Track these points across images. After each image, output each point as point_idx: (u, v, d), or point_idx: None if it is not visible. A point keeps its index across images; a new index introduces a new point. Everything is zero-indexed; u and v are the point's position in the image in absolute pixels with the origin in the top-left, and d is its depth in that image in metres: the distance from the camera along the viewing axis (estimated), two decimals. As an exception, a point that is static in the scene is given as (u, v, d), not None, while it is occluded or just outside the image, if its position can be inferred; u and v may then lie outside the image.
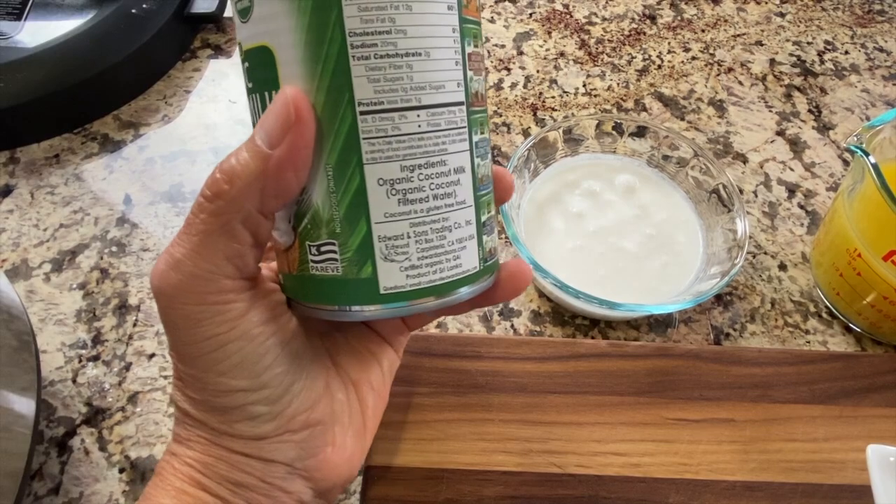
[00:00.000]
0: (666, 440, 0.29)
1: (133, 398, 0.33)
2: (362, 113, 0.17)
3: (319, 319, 0.19)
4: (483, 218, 0.19)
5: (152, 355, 0.35)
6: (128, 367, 0.34)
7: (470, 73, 0.18)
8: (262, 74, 0.18)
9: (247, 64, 0.18)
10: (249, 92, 0.19)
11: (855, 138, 0.33)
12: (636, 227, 0.38)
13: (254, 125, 0.18)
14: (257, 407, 0.19)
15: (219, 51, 0.50)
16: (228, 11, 0.51)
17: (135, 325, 0.36)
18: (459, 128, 0.18)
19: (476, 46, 0.18)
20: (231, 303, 0.18)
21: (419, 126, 0.17)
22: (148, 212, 0.40)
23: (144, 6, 0.46)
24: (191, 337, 0.18)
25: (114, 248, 0.39)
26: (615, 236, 0.37)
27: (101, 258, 0.38)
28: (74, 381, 0.34)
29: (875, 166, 0.31)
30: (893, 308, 0.33)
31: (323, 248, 0.18)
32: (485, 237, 0.19)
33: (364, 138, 0.17)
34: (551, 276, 0.32)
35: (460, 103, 0.18)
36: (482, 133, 0.19)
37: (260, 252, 0.19)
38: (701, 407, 0.30)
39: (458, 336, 0.33)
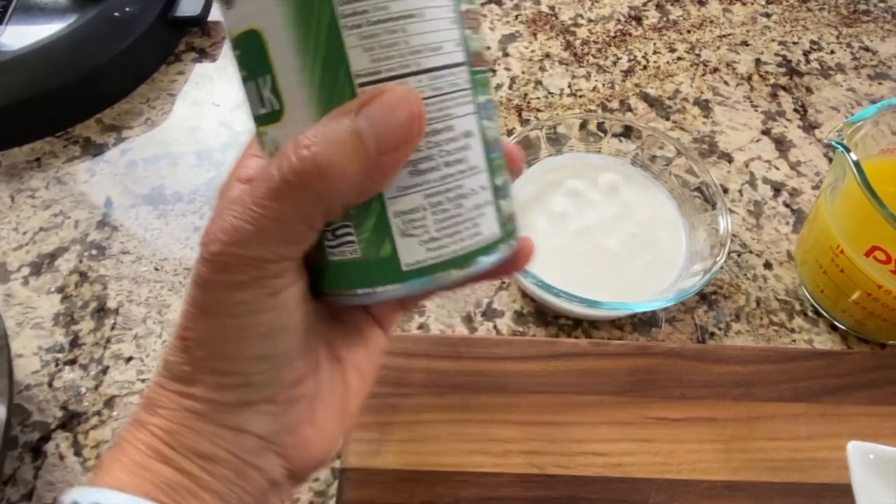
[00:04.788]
0: (647, 440, 0.28)
1: (110, 402, 0.33)
2: (361, 85, 0.16)
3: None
4: (498, 182, 0.18)
5: (130, 359, 0.34)
6: (105, 371, 0.34)
7: (468, 32, 0.17)
8: (253, 60, 0.17)
9: (238, 52, 0.17)
10: (244, 80, 0.18)
11: (836, 134, 0.33)
12: (619, 225, 0.37)
13: (252, 115, 0.18)
14: (259, 376, 0.18)
15: (203, 54, 0.50)
16: (214, 15, 0.51)
17: (113, 328, 0.35)
18: (463, 90, 0.17)
19: (471, 2, 0.18)
20: (280, 275, 0.17)
21: (422, 92, 0.16)
22: (129, 215, 0.40)
23: (128, 9, 0.46)
24: (227, 297, 0.17)
25: (93, 252, 0.38)
26: (598, 235, 0.37)
27: (81, 261, 0.38)
28: (50, 385, 0.33)
29: (856, 162, 0.31)
30: (877, 305, 0.32)
31: (339, 232, 0.17)
32: (501, 202, 0.19)
33: None
34: (532, 275, 0.32)
35: (461, 64, 0.17)
36: (486, 94, 0.18)
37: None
38: (682, 406, 0.29)
39: (438, 336, 0.32)
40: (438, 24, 0.17)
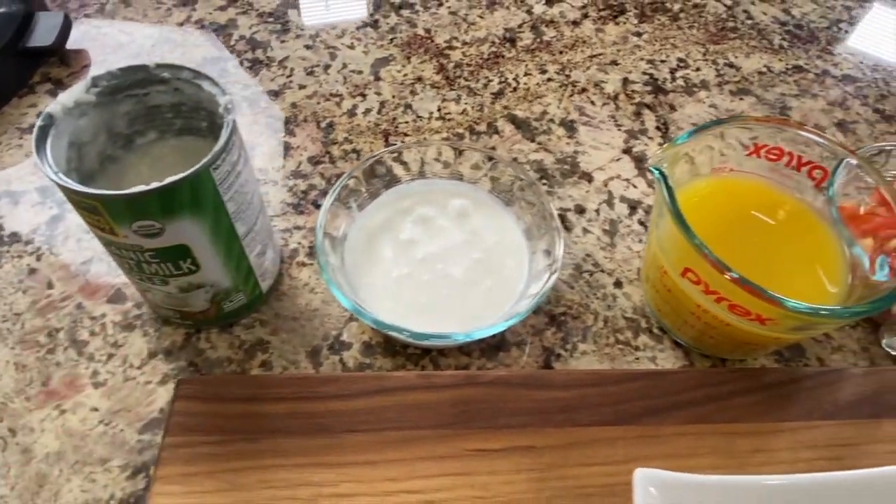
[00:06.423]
0: (464, 473, 0.28)
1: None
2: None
3: None
4: None
5: (-56, 415, 0.32)
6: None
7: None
8: (178, 255, 0.28)
9: (160, 252, 0.28)
10: (158, 260, 0.28)
11: (657, 159, 0.34)
12: (465, 252, 0.37)
13: (163, 274, 0.30)
14: None
15: (60, 86, 0.48)
16: (72, 43, 0.50)
17: (-71, 382, 0.33)
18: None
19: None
20: None
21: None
22: (-40, 259, 0.38)
23: (-32, 42, 0.44)
24: None
25: (-84, 300, 0.36)
26: (442, 263, 0.37)
27: None
28: None
29: (669, 188, 0.32)
30: (701, 323, 0.33)
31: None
32: None
33: None
34: (358, 308, 0.32)
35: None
36: None
37: None
38: (503, 436, 0.29)
39: (259, 377, 0.31)
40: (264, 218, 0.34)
